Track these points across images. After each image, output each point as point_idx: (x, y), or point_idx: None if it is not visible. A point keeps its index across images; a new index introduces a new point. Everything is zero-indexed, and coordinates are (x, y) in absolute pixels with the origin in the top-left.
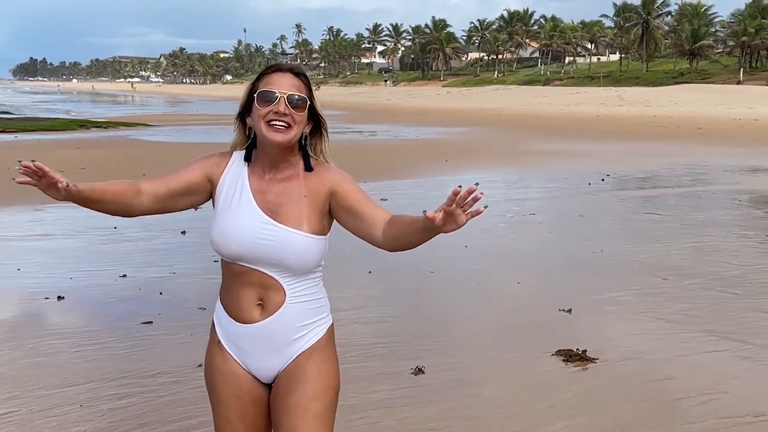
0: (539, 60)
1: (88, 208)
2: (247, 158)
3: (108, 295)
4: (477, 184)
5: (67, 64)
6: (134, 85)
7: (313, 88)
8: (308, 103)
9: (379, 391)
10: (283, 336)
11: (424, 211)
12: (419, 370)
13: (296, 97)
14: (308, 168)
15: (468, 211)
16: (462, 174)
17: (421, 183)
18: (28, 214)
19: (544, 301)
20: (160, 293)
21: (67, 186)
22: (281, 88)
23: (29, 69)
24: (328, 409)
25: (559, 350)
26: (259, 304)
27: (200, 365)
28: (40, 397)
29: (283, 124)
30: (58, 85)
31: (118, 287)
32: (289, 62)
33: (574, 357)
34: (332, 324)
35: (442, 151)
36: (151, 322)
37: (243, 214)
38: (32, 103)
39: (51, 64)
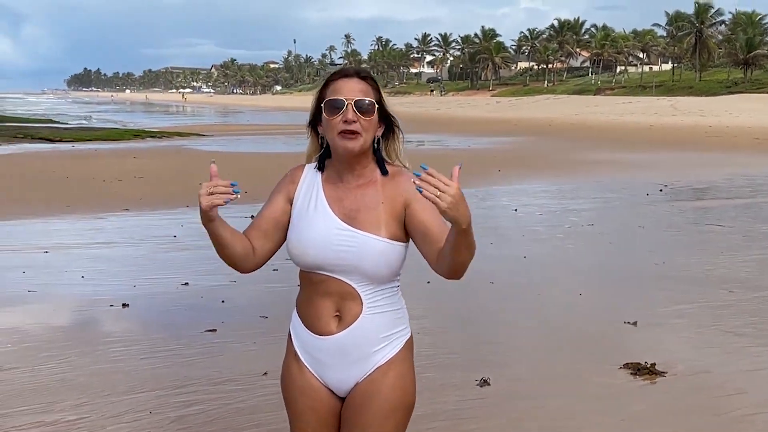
0: (590, 69)
1: (212, 239)
2: (320, 167)
3: (171, 303)
4: (461, 164)
5: (120, 75)
6: (185, 96)
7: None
8: (377, 106)
9: (444, 402)
10: (359, 349)
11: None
12: (485, 382)
13: (365, 102)
14: (384, 172)
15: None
16: (516, 184)
17: (474, 192)
18: (89, 222)
19: (607, 313)
20: (222, 301)
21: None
22: (348, 95)
23: (83, 79)
24: (400, 427)
25: (627, 363)
26: (337, 315)
27: (266, 373)
28: (110, 404)
29: (353, 131)
30: (112, 96)
31: (181, 295)
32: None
33: (642, 370)
34: (411, 336)
35: (493, 160)
36: (215, 330)
37: (319, 222)
38: (87, 113)
39: (105, 74)
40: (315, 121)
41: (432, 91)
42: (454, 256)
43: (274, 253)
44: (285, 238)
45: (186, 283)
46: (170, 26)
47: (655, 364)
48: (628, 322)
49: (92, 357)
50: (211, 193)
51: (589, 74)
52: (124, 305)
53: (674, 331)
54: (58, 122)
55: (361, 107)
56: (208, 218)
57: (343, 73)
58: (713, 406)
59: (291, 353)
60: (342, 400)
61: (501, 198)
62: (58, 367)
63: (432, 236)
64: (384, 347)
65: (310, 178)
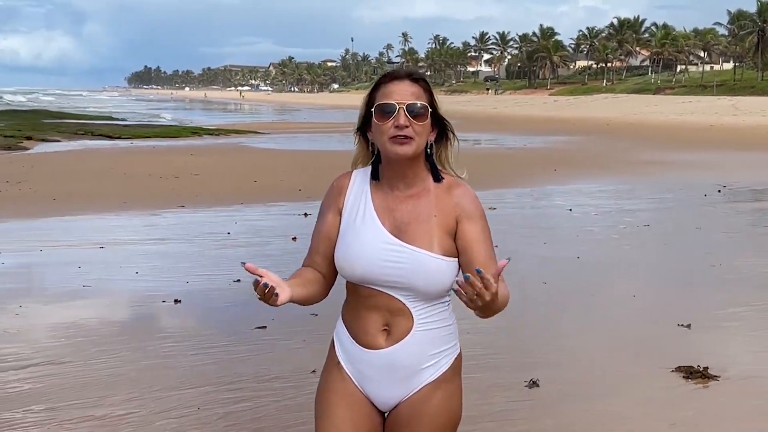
0: (650, 68)
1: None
2: (374, 176)
3: (223, 300)
4: (509, 259)
5: (179, 73)
6: (243, 94)
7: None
8: (430, 110)
9: (492, 403)
10: (408, 365)
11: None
12: (534, 383)
13: (417, 105)
14: (437, 179)
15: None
16: (572, 183)
17: (529, 192)
18: (145, 218)
19: (661, 315)
20: None
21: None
22: (400, 98)
23: (143, 77)
24: None
25: (679, 366)
26: (385, 329)
27: (314, 371)
28: (158, 399)
29: (405, 136)
30: (171, 93)
31: (233, 292)
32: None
33: (695, 374)
34: (460, 353)
35: (550, 160)
36: (265, 327)
37: (367, 234)
38: (146, 111)
39: (164, 72)
40: (364, 126)
41: (488, 89)
42: (479, 313)
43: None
44: None
45: (238, 280)
46: (229, 25)
47: (707, 367)
48: (682, 325)
49: (143, 352)
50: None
51: (649, 73)
52: (176, 301)
53: (728, 335)
54: (118, 119)
55: (413, 111)
56: (288, 302)
57: (394, 75)
58: (767, 412)
59: (333, 361)
60: (382, 415)
61: (556, 197)
62: (110, 361)
63: (475, 266)
64: (432, 365)
65: (359, 186)
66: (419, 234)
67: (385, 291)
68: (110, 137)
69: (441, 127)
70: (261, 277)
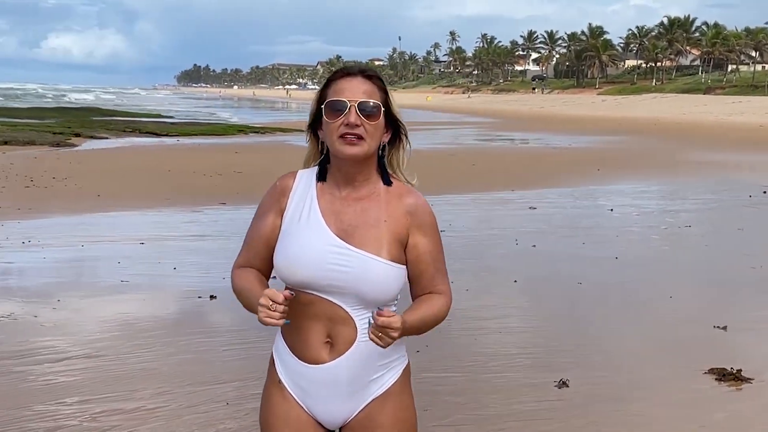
0: (700, 68)
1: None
2: (321, 177)
3: None
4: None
5: (228, 71)
6: (290, 92)
7: (466, 95)
8: (383, 109)
9: (521, 402)
10: (354, 379)
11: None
12: (563, 383)
13: (369, 104)
14: (387, 182)
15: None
16: (615, 183)
17: (570, 192)
18: (186, 215)
19: (697, 316)
20: None
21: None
22: (351, 96)
23: (193, 75)
24: None
25: (712, 368)
26: (328, 342)
27: None
28: (189, 394)
29: (356, 135)
30: (220, 92)
31: None
32: (362, 66)
33: (728, 376)
34: (408, 363)
35: (594, 160)
36: None
37: (311, 237)
38: (194, 109)
39: (213, 70)
40: (315, 124)
41: (534, 89)
42: (421, 332)
43: None
44: None
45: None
46: (279, 23)
47: (741, 370)
48: (718, 327)
49: (176, 347)
50: (268, 313)
51: (699, 73)
52: (211, 297)
53: (765, 337)
54: (166, 117)
55: (365, 110)
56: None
57: (345, 72)
58: None
59: (273, 380)
60: None
61: (598, 198)
62: (143, 356)
63: (422, 281)
64: (381, 376)
65: (303, 187)
66: (367, 238)
67: (327, 298)
68: (157, 134)
69: (395, 129)
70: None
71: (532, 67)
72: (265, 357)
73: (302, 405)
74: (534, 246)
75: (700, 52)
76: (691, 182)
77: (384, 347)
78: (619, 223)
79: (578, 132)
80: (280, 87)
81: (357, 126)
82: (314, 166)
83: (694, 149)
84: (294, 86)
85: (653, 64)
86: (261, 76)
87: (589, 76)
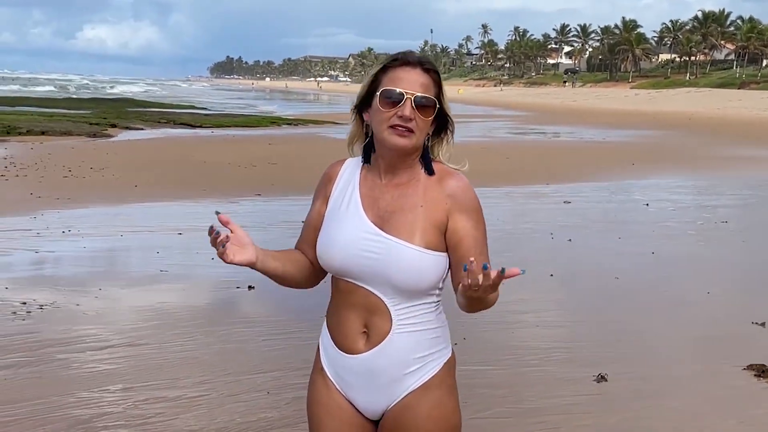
0: (734, 62)
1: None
2: (366, 159)
3: None
4: (523, 271)
5: (261, 63)
6: (320, 84)
7: (498, 88)
8: (437, 105)
9: (560, 396)
10: (388, 371)
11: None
12: (602, 378)
13: (425, 99)
14: (429, 171)
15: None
16: (650, 178)
17: (605, 186)
18: (222, 205)
19: (735, 312)
20: None
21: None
22: (408, 87)
23: (225, 67)
24: None
25: (751, 365)
26: (364, 332)
27: None
28: (230, 383)
29: (408, 129)
30: (253, 83)
31: None
32: (417, 55)
33: (767, 372)
34: (452, 357)
35: (628, 154)
36: None
37: (349, 223)
38: (228, 100)
39: (246, 62)
40: (362, 105)
41: (565, 82)
42: (470, 304)
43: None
44: None
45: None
46: (311, 16)
47: None
48: (756, 323)
49: (216, 336)
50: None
51: (734, 67)
52: (250, 287)
53: None
54: (200, 108)
55: (420, 104)
56: (248, 264)
57: (405, 60)
58: None
59: (317, 368)
60: (374, 423)
61: (633, 192)
62: (184, 345)
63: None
64: (418, 369)
65: (348, 175)
66: (401, 224)
67: (363, 286)
68: (192, 126)
69: (441, 122)
70: (230, 231)
71: (565, 61)
72: (304, 347)
73: (343, 393)
74: (570, 240)
75: (734, 47)
76: (727, 177)
77: (471, 293)
78: (655, 218)
79: (612, 126)
80: (312, 79)
81: (410, 120)
82: (358, 150)
83: (729, 144)
84: (326, 78)
85: (687, 58)
86: (293, 68)
87: (622, 70)
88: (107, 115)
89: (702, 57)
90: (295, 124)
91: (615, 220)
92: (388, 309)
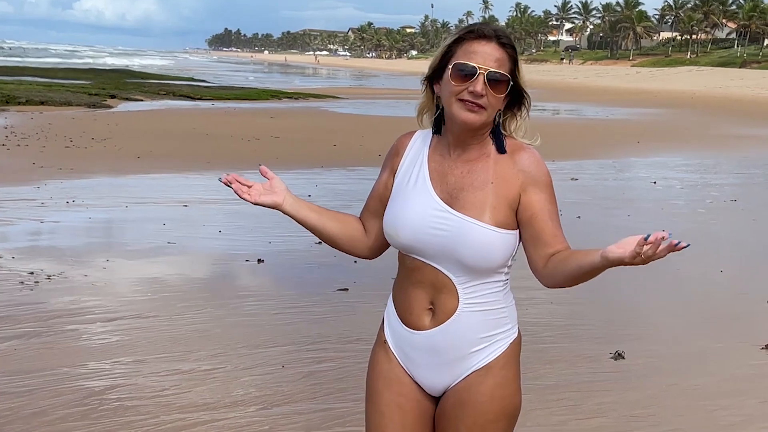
0: (736, 41)
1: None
2: (437, 131)
3: (305, 261)
4: (688, 244)
5: (259, 36)
6: (318, 59)
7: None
8: (510, 82)
9: (577, 373)
10: (453, 349)
11: (646, 237)
12: (619, 355)
13: (499, 75)
14: (501, 149)
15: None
16: (656, 156)
17: (611, 164)
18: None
19: (750, 291)
20: (355, 261)
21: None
22: (483, 62)
23: (224, 40)
24: None
25: (767, 344)
26: (430, 309)
27: None
28: (243, 356)
29: (479, 105)
30: (251, 56)
31: (314, 254)
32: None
33: None
34: (518, 338)
35: (632, 132)
36: (347, 289)
37: (416, 199)
38: (226, 73)
39: (244, 35)
40: (434, 76)
41: (563, 59)
42: (581, 278)
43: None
44: None
45: (320, 242)
46: None
47: None
48: None
49: (227, 310)
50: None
51: (735, 46)
52: (259, 261)
53: None
54: (200, 80)
55: (493, 79)
56: (272, 205)
57: (480, 33)
58: None
59: (381, 341)
60: (434, 401)
61: (639, 170)
62: (195, 317)
63: (543, 239)
64: (483, 348)
65: (417, 148)
66: (471, 201)
67: (431, 263)
68: (192, 98)
69: (515, 97)
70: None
71: (566, 38)
72: (317, 322)
73: (405, 368)
74: (579, 217)
75: (736, 25)
76: (733, 156)
77: (637, 261)
78: (663, 196)
79: (614, 104)
80: (311, 53)
81: (481, 96)
82: (428, 122)
83: (733, 123)
84: (325, 52)
85: (688, 37)
86: (292, 41)
87: (623, 48)
88: (106, 86)
89: (703, 36)
90: (295, 98)
91: (623, 198)
92: (455, 287)
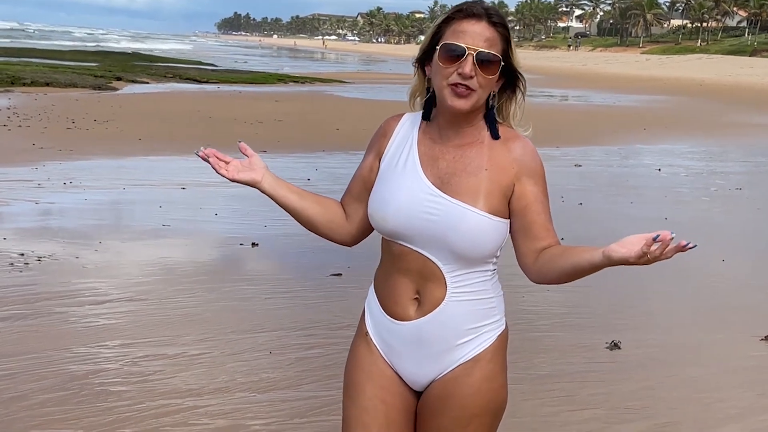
0: (746, 30)
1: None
2: (426, 116)
3: (299, 246)
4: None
5: (268, 20)
6: (326, 43)
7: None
8: (501, 64)
9: (572, 363)
10: (440, 341)
11: (655, 237)
12: (615, 345)
13: (489, 55)
14: (495, 135)
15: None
16: (662, 143)
17: (616, 150)
18: None
19: (752, 281)
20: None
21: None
22: (471, 42)
23: (233, 23)
24: None
25: None
26: (416, 298)
27: None
28: (231, 341)
29: (467, 87)
30: (260, 40)
31: (310, 238)
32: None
33: None
34: (506, 330)
35: (639, 119)
36: (341, 274)
37: (406, 183)
38: (234, 56)
39: (254, 19)
40: (424, 57)
41: (570, 46)
42: (575, 276)
43: (368, 232)
44: None
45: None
46: None
47: None
48: None
49: (219, 293)
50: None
51: (746, 35)
52: (253, 245)
53: None
54: (207, 64)
55: (483, 60)
56: (251, 182)
57: (470, 12)
58: None
59: (361, 333)
60: (417, 395)
61: (644, 157)
62: (185, 301)
63: (534, 231)
64: (470, 341)
65: (406, 131)
66: (464, 187)
67: (418, 250)
68: (198, 81)
69: (509, 79)
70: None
71: (575, 24)
72: (309, 307)
73: (387, 361)
74: (581, 204)
75: (747, 14)
76: (740, 144)
77: (641, 262)
78: (667, 183)
79: (622, 90)
80: (319, 37)
81: (470, 78)
82: (419, 105)
83: (741, 111)
84: (333, 37)
85: (699, 25)
86: (301, 25)
87: (633, 35)
88: (113, 68)
89: (714, 24)
90: (301, 82)
91: (626, 185)
92: (443, 275)
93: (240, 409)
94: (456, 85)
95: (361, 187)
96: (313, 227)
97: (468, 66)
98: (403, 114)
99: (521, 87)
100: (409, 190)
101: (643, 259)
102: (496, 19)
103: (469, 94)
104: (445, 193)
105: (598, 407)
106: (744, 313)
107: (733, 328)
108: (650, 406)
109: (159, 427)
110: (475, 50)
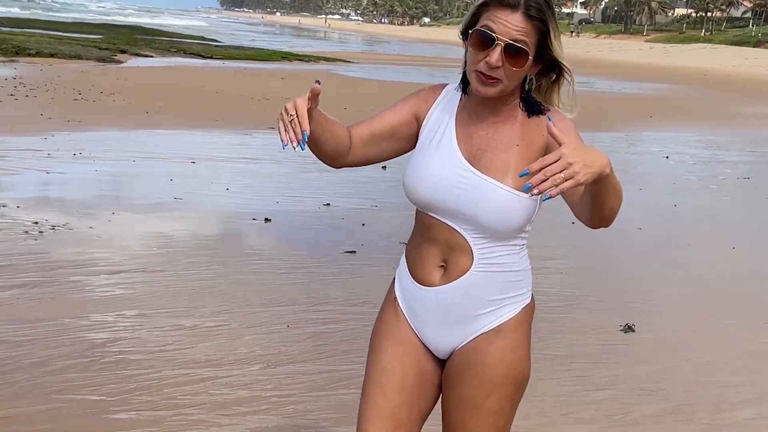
0: (751, 20)
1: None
2: (463, 89)
3: (313, 222)
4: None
5: None
6: (329, 22)
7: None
8: (530, 58)
9: (586, 344)
10: (463, 309)
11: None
12: (629, 328)
13: (518, 48)
14: (530, 114)
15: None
16: (669, 131)
17: (623, 137)
18: (236, 137)
19: (761, 268)
20: (363, 224)
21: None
22: (503, 32)
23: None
24: (505, 405)
25: None
26: (442, 266)
27: None
28: (248, 314)
29: (492, 77)
30: (263, 17)
31: (323, 215)
32: None
33: None
34: (531, 303)
35: (645, 106)
36: (355, 251)
37: (440, 157)
38: (238, 32)
39: None
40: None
41: (571, 32)
42: (602, 205)
43: (372, 162)
44: (393, 152)
45: (327, 204)
46: None
47: None
48: None
49: (233, 267)
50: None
51: (750, 25)
52: (266, 220)
53: None
54: (210, 39)
55: (512, 52)
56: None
57: (506, 1)
58: None
59: (390, 298)
60: (437, 363)
61: (652, 144)
62: (201, 274)
63: (570, 191)
64: (492, 311)
65: (446, 104)
66: (494, 163)
67: (447, 222)
68: (202, 56)
69: (550, 66)
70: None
71: (580, 11)
72: (324, 283)
73: (413, 327)
74: None
75: (752, 4)
76: (746, 134)
77: (580, 180)
78: (675, 171)
79: (627, 78)
80: (323, 16)
81: (497, 68)
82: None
83: (746, 101)
84: (337, 16)
85: (703, 14)
86: (304, 3)
87: (637, 23)
88: (117, 41)
89: (718, 13)
90: (306, 60)
91: (634, 172)
92: (470, 247)
93: (259, 380)
94: (481, 73)
95: (386, 132)
96: (318, 154)
97: (495, 56)
98: (446, 85)
99: (567, 76)
100: (442, 165)
101: (580, 181)
102: (533, 12)
103: (494, 83)
104: (476, 168)
105: (615, 388)
106: (756, 300)
107: (745, 315)
108: (665, 389)
109: (180, 395)
110: (504, 42)
